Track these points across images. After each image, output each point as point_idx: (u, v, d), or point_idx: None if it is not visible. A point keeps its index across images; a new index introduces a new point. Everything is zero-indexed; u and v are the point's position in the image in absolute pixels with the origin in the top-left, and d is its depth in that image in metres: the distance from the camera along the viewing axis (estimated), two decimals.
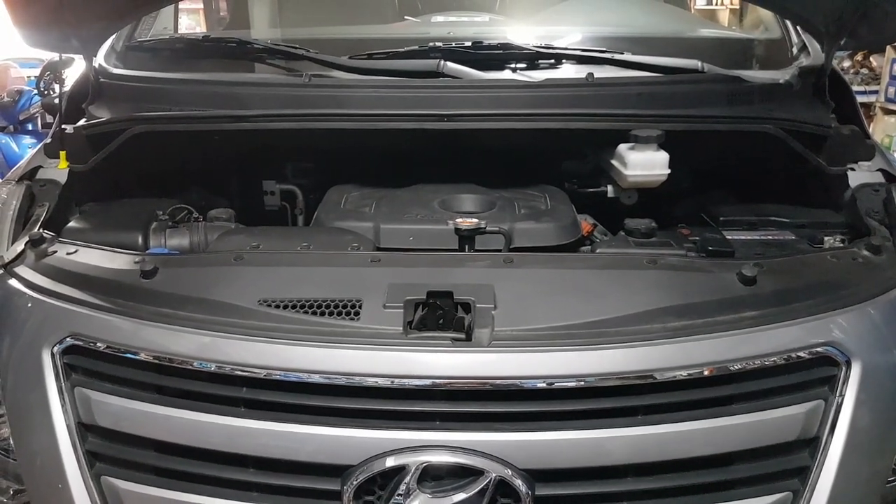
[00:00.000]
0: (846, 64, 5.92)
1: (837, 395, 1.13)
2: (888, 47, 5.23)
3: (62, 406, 1.15)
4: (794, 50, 1.91)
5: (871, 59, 6.02)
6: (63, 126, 1.60)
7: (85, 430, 1.15)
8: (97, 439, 1.15)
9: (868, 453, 1.15)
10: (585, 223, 1.61)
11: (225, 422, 1.09)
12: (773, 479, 1.13)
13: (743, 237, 1.48)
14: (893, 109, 5.57)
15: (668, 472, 1.10)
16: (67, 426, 1.14)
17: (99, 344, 1.15)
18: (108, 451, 1.15)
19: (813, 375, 1.15)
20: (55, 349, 1.16)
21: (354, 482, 1.06)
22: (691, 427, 1.09)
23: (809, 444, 1.13)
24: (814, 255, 1.36)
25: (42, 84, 4.45)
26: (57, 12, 1.50)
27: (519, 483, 1.05)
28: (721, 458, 1.11)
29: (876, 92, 5.74)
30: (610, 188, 1.69)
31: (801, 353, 1.13)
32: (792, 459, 1.14)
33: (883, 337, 1.19)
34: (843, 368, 1.14)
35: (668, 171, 1.55)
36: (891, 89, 5.56)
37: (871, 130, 1.74)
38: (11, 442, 1.21)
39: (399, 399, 1.09)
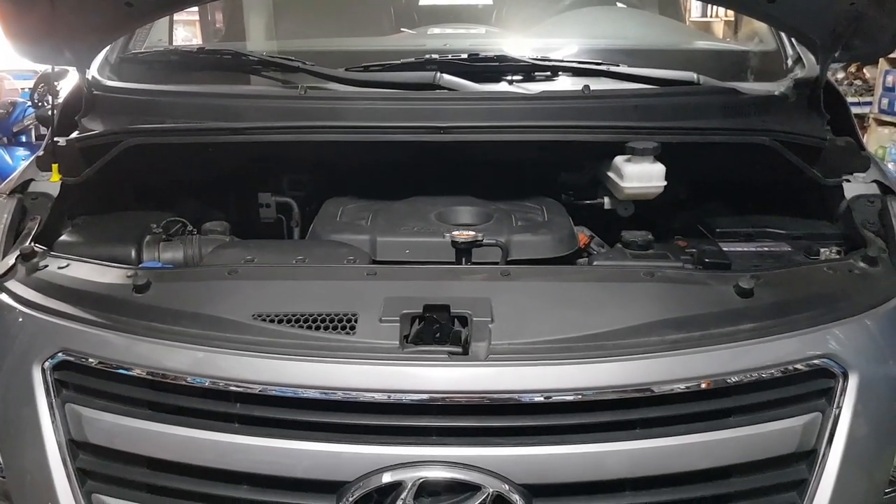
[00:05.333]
0: (840, 75, 5.95)
1: (835, 407, 1.13)
2: (881, 59, 5.26)
3: (53, 423, 1.13)
4: (789, 62, 1.91)
5: (864, 70, 6.06)
6: (56, 138, 1.59)
7: (76, 447, 1.14)
8: (88, 456, 1.14)
9: (866, 465, 1.15)
10: (582, 235, 1.61)
11: (218, 438, 1.08)
12: (771, 493, 1.13)
13: (739, 249, 1.48)
14: (887, 121, 5.60)
15: (666, 486, 1.10)
16: (58, 443, 1.13)
17: (90, 360, 1.14)
18: (99, 468, 1.13)
19: (810, 388, 1.14)
20: (46, 365, 1.15)
21: (350, 498, 1.05)
22: (689, 440, 1.09)
23: (807, 457, 1.13)
24: (810, 267, 1.36)
25: (36, 96, 4.45)
26: (50, 24, 1.49)
27: (516, 498, 1.04)
28: (719, 471, 1.11)
29: (870, 103, 5.77)
30: (607, 200, 1.68)
31: (799, 366, 1.13)
32: (790, 472, 1.13)
33: (880, 348, 1.19)
34: (841, 380, 1.14)
35: (665, 182, 1.55)
36: (884, 100, 5.59)
37: (865, 142, 1.74)
38: (1, 459, 1.19)
39: (395, 414, 1.08)
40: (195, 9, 2.78)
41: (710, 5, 5.65)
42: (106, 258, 1.38)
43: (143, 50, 2.03)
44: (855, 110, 2.08)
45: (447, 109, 1.59)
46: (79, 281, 1.26)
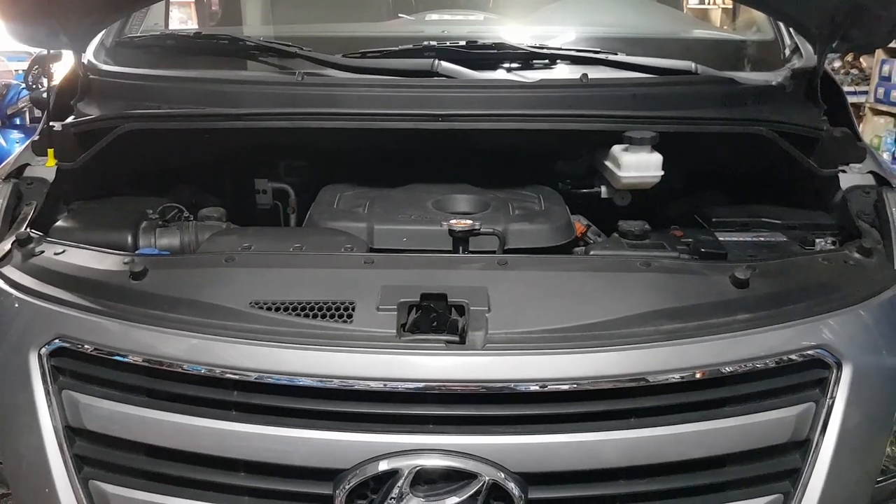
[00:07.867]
0: (836, 64, 5.94)
1: (828, 397, 1.14)
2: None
3: (49, 409, 1.13)
4: (787, 52, 1.91)
5: (860, 59, 6.05)
6: (51, 123, 1.58)
7: (73, 433, 1.14)
8: (85, 443, 1.14)
9: (858, 454, 1.16)
10: (579, 224, 1.61)
11: (215, 425, 1.08)
12: (764, 482, 1.14)
13: (735, 238, 1.48)
14: (883, 110, 5.61)
15: (660, 475, 1.10)
16: (55, 429, 1.13)
17: (87, 346, 1.13)
18: (96, 454, 1.14)
19: (804, 378, 1.15)
20: (42, 351, 1.15)
21: (347, 486, 1.05)
22: (684, 430, 1.09)
23: (801, 446, 1.14)
24: (805, 258, 1.37)
25: (30, 78, 4.39)
26: (45, 7, 1.48)
27: (512, 486, 1.05)
28: (713, 460, 1.12)
29: (866, 92, 5.77)
30: (604, 189, 1.69)
31: (793, 356, 1.14)
32: (783, 461, 1.14)
33: (873, 339, 1.20)
34: (834, 371, 1.14)
35: (662, 172, 1.55)
36: (880, 90, 5.59)
37: (860, 131, 1.74)
38: None
39: (392, 402, 1.08)
40: None
41: None
42: (102, 244, 1.37)
43: (139, 34, 2.01)
44: (851, 99, 2.08)
45: (445, 97, 1.59)
46: (75, 267, 1.26)
